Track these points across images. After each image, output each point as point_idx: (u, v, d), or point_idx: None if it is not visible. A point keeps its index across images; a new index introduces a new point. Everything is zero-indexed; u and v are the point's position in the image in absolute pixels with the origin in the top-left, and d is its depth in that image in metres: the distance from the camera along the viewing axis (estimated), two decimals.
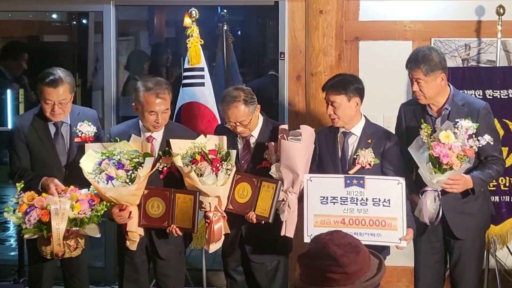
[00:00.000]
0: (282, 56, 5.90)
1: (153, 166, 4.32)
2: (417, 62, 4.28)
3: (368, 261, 2.30)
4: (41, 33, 8.29)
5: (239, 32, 8.04)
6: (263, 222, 4.31)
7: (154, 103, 4.32)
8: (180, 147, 4.35)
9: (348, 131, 4.36)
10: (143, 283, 4.62)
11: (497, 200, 5.26)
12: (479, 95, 5.27)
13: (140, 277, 4.58)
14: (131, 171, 4.25)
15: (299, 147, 4.24)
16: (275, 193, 4.27)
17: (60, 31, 8.49)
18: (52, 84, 4.44)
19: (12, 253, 6.84)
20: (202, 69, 5.51)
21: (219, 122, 5.37)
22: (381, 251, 4.02)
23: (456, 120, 4.19)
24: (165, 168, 4.39)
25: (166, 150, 4.42)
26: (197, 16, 5.50)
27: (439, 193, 4.22)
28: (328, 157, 4.38)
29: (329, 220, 4.17)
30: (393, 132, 4.56)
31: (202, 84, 5.51)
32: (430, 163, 4.12)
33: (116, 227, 4.53)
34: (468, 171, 4.25)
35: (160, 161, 4.39)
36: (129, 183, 4.24)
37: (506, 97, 5.32)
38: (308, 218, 4.17)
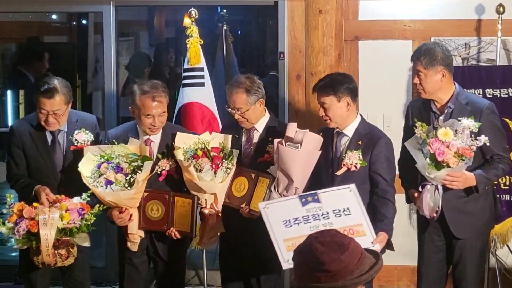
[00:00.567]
0: (282, 55, 5.90)
1: (152, 169, 4.31)
2: (419, 54, 4.31)
3: (357, 259, 2.27)
4: (40, 33, 8.27)
5: (239, 32, 8.03)
6: (255, 217, 4.26)
7: (151, 107, 4.30)
8: (185, 141, 4.34)
9: (341, 132, 4.31)
10: (143, 283, 4.62)
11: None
12: (479, 94, 5.27)
13: (140, 278, 4.59)
14: (130, 175, 4.24)
15: (296, 154, 4.15)
16: (267, 190, 4.25)
17: (60, 32, 8.48)
18: (47, 94, 4.40)
19: (13, 254, 6.84)
20: (202, 69, 5.51)
21: (219, 122, 5.38)
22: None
23: (459, 118, 4.19)
24: (164, 171, 4.38)
25: (164, 152, 4.41)
26: (197, 16, 5.51)
27: (440, 188, 4.22)
28: (322, 157, 4.37)
29: (299, 241, 3.91)
30: (402, 129, 4.55)
31: (202, 84, 5.52)
32: (427, 158, 4.12)
33: (117, 228, 4.52)
34: (472, 169, 4.25)
35: (159, 164, 4.38)
36: (128, 188, 4.23)
37: (506, 96, 5.32)
38: (279, 245, 3.98)
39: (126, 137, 4.43)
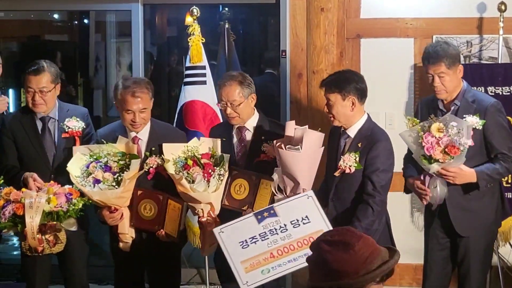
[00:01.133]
0: (283, 54, 5.90)
1: (140, 167, 4.26)
2: (438, 56, 4.28)
3: (364, 258, 2.25)
4: (41, 32, 8.27)
5: (241, 30, 8.03)
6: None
7: (131, 102, 4.25)
8: (173, 152, 4.27)
9: (345, 131, 4.26)
10: (137, 283, 4.58)
11: None
12: (480, 92, 5.27)
13: (134, 278, 4.54)
14: (117, 174, 4.20)
15: (297, 156, 4.05)
16: (271, 192, 4.20)
17: (62, 30, 8.48)
18: (34, 72, 4.46)
19: (14, 252, 6.84)
20: (203, 68, 5.52)
21: (221, 120, 5.38)
22: None
23: (464, 116, 4.19)
24: (152, 169, 4.32)
25: (152, 150, 4.35)
26: (199, 15, 5.51)
27: (440, 178, 4.21)
28: (328, 156, 4.36)
29: (258, 260, 3.94)
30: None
31: (204, 83, 5.52)
32: (422, 150, 4.13)
33: (109, 229, 4.47)
34: (475, 166, 4.26)
35: (147, 161, 4.32)
36: (116, 186, 4.19)
37: (508, 93, 5.32)
38: (236, 268, 3.91)
39: (115, 135, 4.37)
